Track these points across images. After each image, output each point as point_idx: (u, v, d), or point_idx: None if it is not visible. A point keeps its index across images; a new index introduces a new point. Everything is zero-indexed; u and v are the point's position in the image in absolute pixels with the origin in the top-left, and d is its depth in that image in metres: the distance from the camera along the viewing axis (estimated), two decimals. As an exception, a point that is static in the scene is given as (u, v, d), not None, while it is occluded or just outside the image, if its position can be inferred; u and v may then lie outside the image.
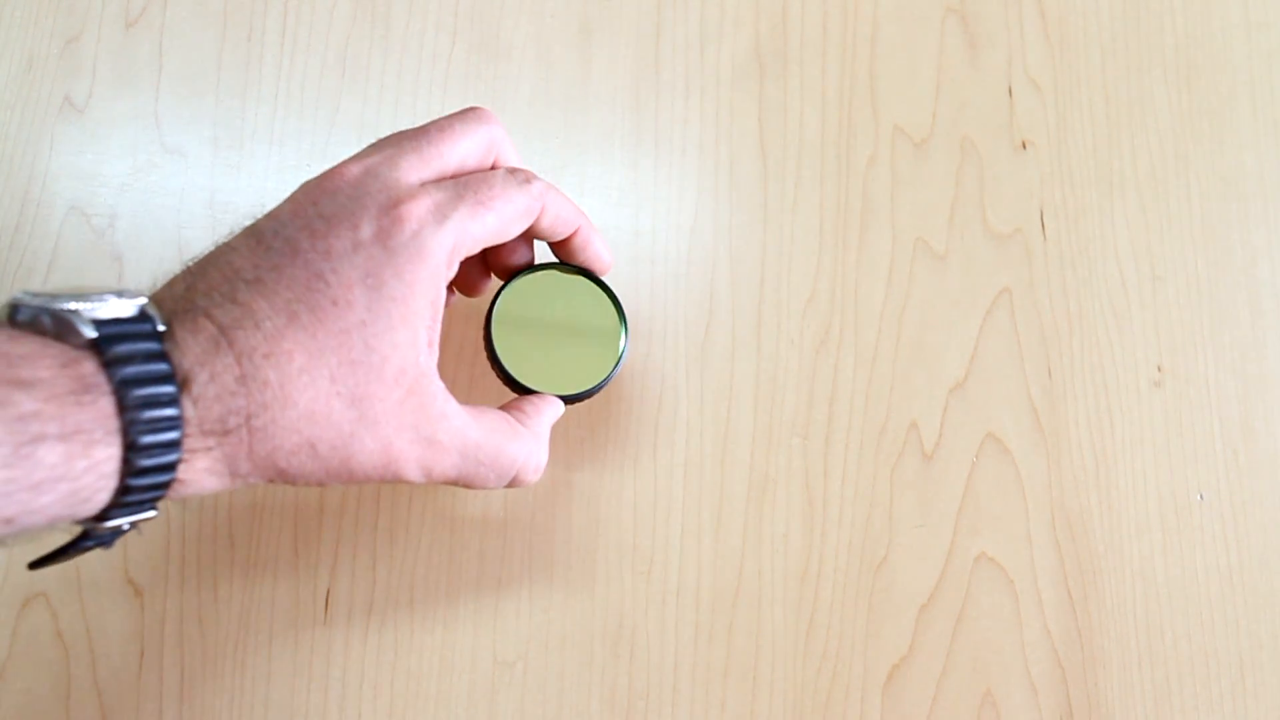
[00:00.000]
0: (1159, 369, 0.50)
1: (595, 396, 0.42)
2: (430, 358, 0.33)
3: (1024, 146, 0.53)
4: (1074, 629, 0.46)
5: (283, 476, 0.31)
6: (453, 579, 0.46)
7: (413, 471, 0.33)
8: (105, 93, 0.51)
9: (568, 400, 0.41)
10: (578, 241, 0.40)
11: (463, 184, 0.34)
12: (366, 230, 0.31)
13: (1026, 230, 0.51)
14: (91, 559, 0.45)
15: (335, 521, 0.46)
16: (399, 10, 0.53)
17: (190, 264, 0.32)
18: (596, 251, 0.41)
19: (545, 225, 0.38)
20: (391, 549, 0.46)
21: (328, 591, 0.46)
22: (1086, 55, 0.54)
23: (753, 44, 0.53)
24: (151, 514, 0.29)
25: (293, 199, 0.33)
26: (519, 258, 0.41)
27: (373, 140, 0.36)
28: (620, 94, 0.52)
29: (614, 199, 0.51)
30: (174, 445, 0.28)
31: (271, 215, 0.32)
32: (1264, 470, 0.49)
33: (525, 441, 0.37)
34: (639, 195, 0.51)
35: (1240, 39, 0.55)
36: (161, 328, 0.29)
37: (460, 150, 0.35)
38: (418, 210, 0.32)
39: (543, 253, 0.42)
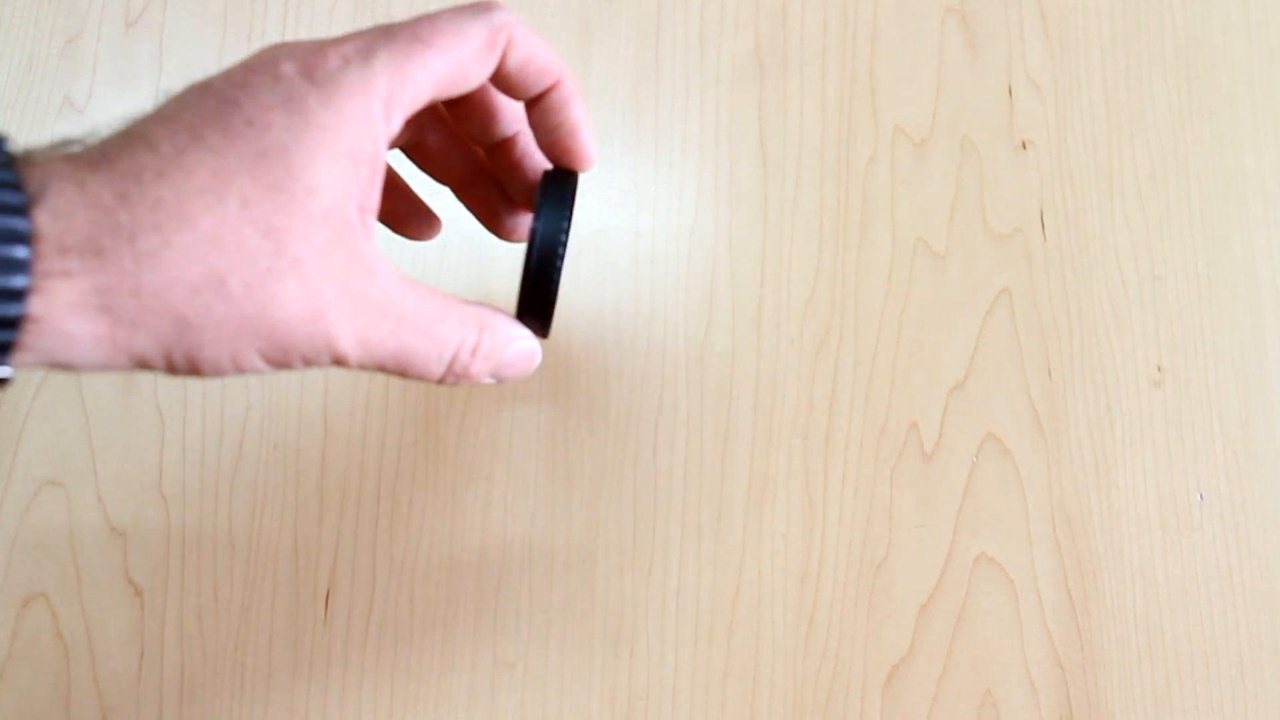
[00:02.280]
0: (1159, 369, 0.50)
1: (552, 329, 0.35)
2: (364, 218, 0.27)
3: (1024, 146, 0.53)
4: (1074, 629, 0.46)
5: (183, 333, 0.25)
6: (453, 579, 0.46)
7: (345, 336, 0.27)
8: (105, 93, 0.51)
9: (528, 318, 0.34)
10: (555, 100, 0.32)
11: (392, 25, 0.28)
12: (288, 67, 0.26)
13: (1026, 230, 0.51)
14: (92, 558, 0.45)
15: (335, 521, 0.46)
16: (399, 10, 0.53)
17: None
18: (577, 121, 0.32)
19: (513, 67, 0.30)
20: (391, 549, 0.46)
21: (328, 591, 0.46)
22: (1086, 55, 0.54)
23: (753, 44, 0.53)
24: (4, 371, 0.24)
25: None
26: (519, 144, 0.34)
27: None
28: (620, 94, 0.52)
29: (614, 199, 0.51)
30: (19, 264, 0.22)
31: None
32: (1264, 470, 0.49)
33: (466, 318, 0.30)
34: (639, 195, 0.51)
35: (1240, 39, 0.55)
36: (14, 151, 0.24)
37: (450, 56, 0.28)
38: (342, 49, 0.27)
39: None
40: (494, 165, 0.36)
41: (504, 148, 0.35)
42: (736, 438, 0.48)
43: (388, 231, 0.36)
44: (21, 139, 0.54)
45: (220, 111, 0.25)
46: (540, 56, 0.31)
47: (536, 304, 0.33)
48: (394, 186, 0.37)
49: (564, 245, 0.32)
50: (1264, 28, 0.55)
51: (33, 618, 0.44)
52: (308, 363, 0.27)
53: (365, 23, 0.52)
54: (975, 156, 0.52)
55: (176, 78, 0.51)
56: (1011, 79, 0.53)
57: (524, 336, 0.32)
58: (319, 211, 0.26)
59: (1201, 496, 0.48)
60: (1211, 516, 0.48)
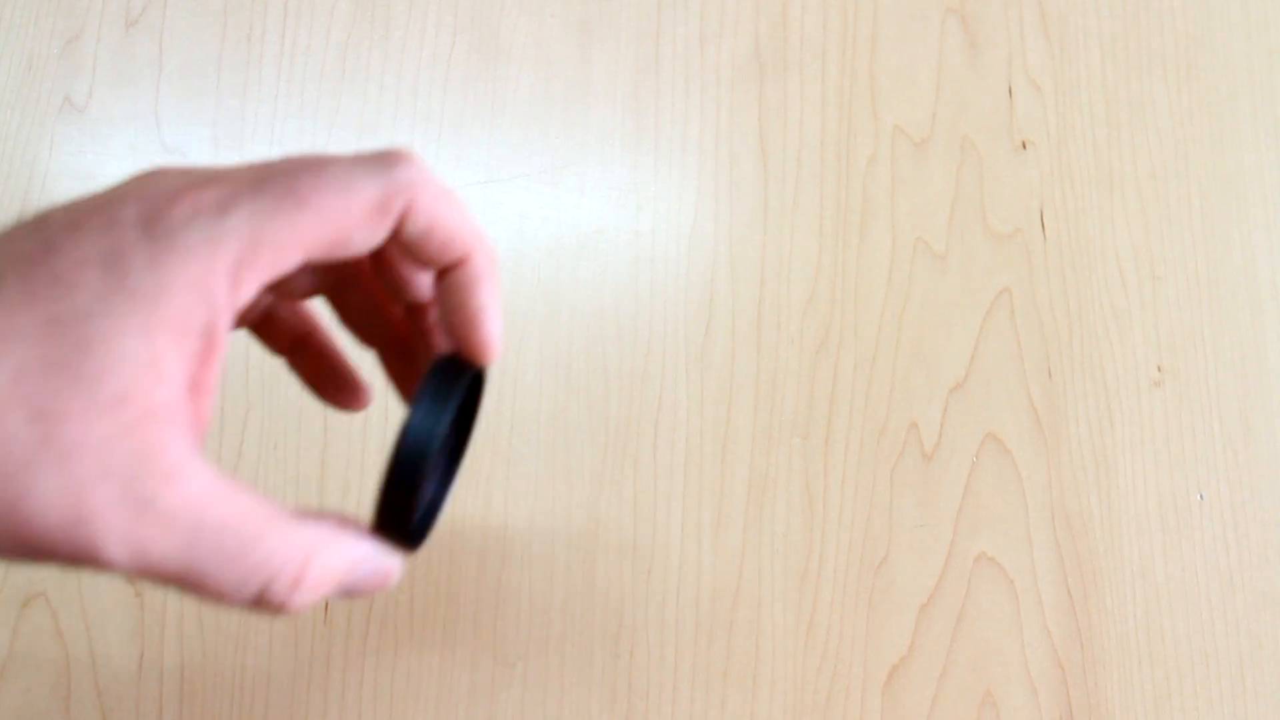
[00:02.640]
0: (1159, 369, 0.50)
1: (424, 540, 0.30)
2: (190, 401, 0.23)
3: (1024, 146, 0.53)
4: (1074, 629, 0.46)
5: None
6: (453, 579, 0.46)
7: (114, 546, 0.22)
8: (105, 93, 0.51)
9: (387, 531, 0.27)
10: (460, 279, 0.27)
11: (274, 168, 0.25)
12: (130, 210, 0.23)
13: (1026, 230, 0.51)
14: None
15: (335, 521, 0.46)
16: (399, 10, 0.53)
17: None
18: (480, 308, 0.27)
19: (412, 236, 0.25)
20: (391, 549, 0.46)
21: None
22: (1086, 55, 0.54)
23: (753, 44, 0.53)
24: None
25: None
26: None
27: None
28: (620, 94, 0.52)
29: (614, 199, 0.51)
30: None
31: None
32: (1264, 470, 0.49)
33: (290, 543, 0.24)
34: (639, 195, 0.51)
35: (1240, 39, 0.55)
36: None
37: (326, 219, 0.24)
38: (199, 196, 0.23)
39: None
40: (410, 332, 0.31)
41: (419, 313, 0.30)
42: (736, 438, 0.48)
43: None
44: (21, 139, 0.54)
45: (33, 259, 0.22)
46: (446, 227, 0.26)
47: (394, 514, 0.27)
48: (318, 349, 0.32)
49: (437, 448, 0.26)
50: (1264, 28, 0.55)
51: (33, 618, 0.44)
52: (75, 565, 0.23)
53: (365, 23, 0.52)
54: (975, 156, 0.52)
55: (176, 78, 0.51)
56: (1011, 79, 0.53)
57: (370, 558, 0.27)
58: (109, 396, 0.22)
59: (1201, 496, 0.48)
60: (1211, 516, 0.48)
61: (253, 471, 0.47)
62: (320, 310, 0.31)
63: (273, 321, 0.31)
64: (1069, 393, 0.49)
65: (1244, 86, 0.54)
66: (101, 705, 0.44)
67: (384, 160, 0.25)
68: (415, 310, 0.30)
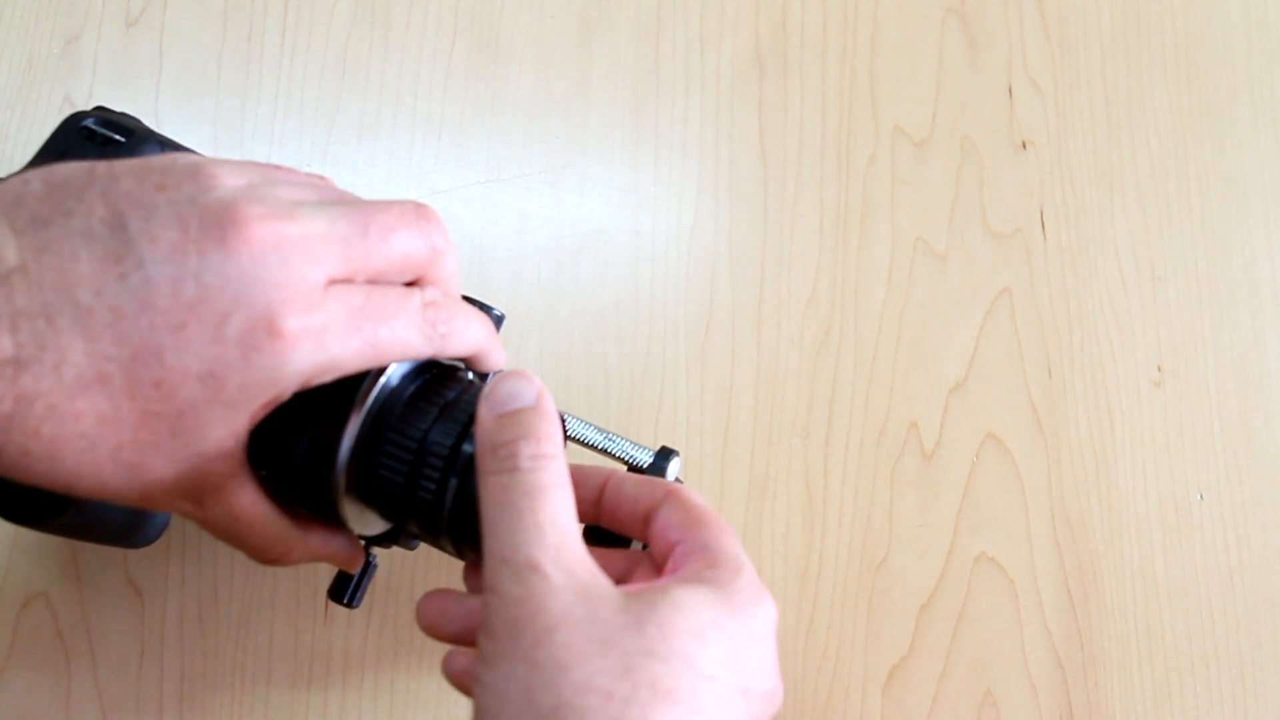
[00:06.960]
0: (1159, 369, 0.50)
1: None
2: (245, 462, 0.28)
3: (1024, 146, 0.53)
4: (1074, 629, 0.46)
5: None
6: (453, 579, 0.46)
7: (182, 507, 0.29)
8: (105, 93, 0.51)
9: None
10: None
11: (365, 311, 0.28)
12: (234, 326, 0.25)
13: (1026, 230, 0.51)
14: (91, 559, 0.45)
15: (335, 521, 0.46)
16: (399, 10, 0.53)
17: (36, 208, 0.25)
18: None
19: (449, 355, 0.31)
20: (392, 549, 0.46)
21: (328, 591, 0.46)
22: (1086, 55, 0.54)
23: (753, 44, 0.53)
24: None
25: (178, 213, 0.26)
26: None
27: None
28: (620, 94, 0.52)
29: (614, 199, 0.51)
30: None
31: (145, 208, 0.25)
32: (1264, 470, 0.49)
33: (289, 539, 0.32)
34: (639, 195, 0.51)
35: (1240, 39, 0.55)
36: None
37: (394, 259, 0.28)
38: (306, 326, 0.26)
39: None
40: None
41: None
42: (736, 438, 0.48)
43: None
44: (21, 139, 0.54)
45: (138, 357, 0.25)
46: (468, 340, 0.31)
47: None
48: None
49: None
50: (1264, 28, 0.55)
51: (33, 618, 0.44)
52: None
53: (365, 23, 0.52)
54: (975, 156, 0.52)
55: (176, 78, 0.51)
56: (1011, 79, 0.53)
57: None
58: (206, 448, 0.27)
59: (1201, 496, 0.48)
60: (1211, 516, 0.48)
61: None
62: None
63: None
64: (1069, 393, 0.49)
65: (1244, 86, 0.54)
66: (101, 705, 0.44)
67: (438, 317, 0.30)
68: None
